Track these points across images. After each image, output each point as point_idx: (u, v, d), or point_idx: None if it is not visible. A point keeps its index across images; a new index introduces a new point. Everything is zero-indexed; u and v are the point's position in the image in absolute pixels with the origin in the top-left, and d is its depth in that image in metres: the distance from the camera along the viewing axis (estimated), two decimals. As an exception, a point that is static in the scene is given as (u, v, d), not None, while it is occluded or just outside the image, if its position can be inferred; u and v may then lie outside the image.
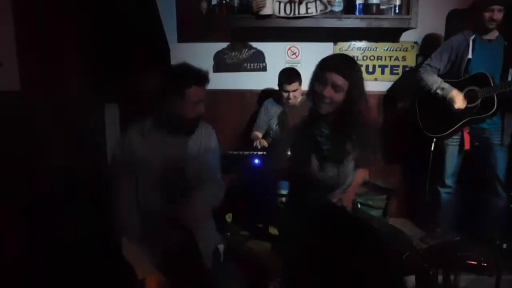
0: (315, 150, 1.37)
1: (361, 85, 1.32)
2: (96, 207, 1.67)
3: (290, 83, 2.32)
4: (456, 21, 2.54)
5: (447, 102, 2.16)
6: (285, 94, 2.35)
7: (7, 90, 1.43)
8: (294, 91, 2.33)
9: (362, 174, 1.48)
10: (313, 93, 1.31)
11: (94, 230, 1.63)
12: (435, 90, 2.19)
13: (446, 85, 2.18)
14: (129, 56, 2.24)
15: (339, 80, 1.26)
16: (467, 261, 1.98)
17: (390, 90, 2.72)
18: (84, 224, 1.68)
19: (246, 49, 2.69)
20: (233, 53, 2.69)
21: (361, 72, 1.36)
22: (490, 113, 2.08)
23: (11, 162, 1.38)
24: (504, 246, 1.98)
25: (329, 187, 1.41)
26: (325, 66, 1.30)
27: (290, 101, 2.36)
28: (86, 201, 1.76)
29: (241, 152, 2.31)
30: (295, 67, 2.48)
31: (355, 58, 2.60)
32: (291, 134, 1.41)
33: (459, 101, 2.12)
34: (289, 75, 2.35)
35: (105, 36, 2.12)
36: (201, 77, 1.31)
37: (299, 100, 2.46)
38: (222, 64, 2.70)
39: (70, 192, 1.67)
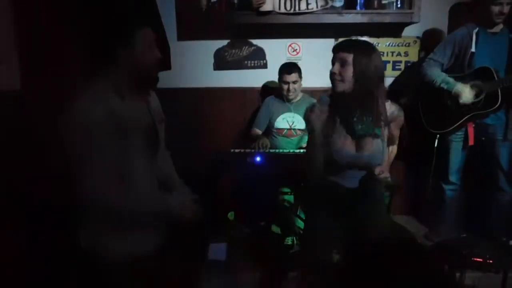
0: (349, 131, 1.44)
1: (369, 59, 1.37)
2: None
3: (289, 73, 2.32)
4: (459, 15, 2.51)
5: (452, 97, 2.13)
6: (285, 86, 2.34)
7: (7, 89, 1.43)
8: (293, 82, 2.33)
9: (392, 153, 1.57)
10: (330, 77, 1.44)
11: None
12: (439, 84, 2.16)
13: (451, 79, 2.14)
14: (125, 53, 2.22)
15: (343, 55, 1.37)
16: (472, 258, 1.96)
17: (392, 85, 2.70)
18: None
19: (247, 46, 2.67)
20: (234, 51, 2.67)
21: (370, 49, 1.41)
22: (494, 107, 2.05)
23: (10, 161, 1.38)
24: (510, 242, 1.95)
25: (369, 166, 1.46)
26: (333, 48, 1.44)
27: (290, 94, 2.35)
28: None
29: (242, 150, 2.30)
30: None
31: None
32: (321, 126, 1.48)
33: (465, 95, 2.09)
34: (289, 66, 2.36)
35: (104, 34, 2.10)
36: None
37: (299, 94, 2.44)
38: (222, 61, 2.68)
39: (70, 192, 1.67)
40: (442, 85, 2.15)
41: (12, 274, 1.35)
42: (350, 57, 1.36)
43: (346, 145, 1.44)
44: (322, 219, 1.55)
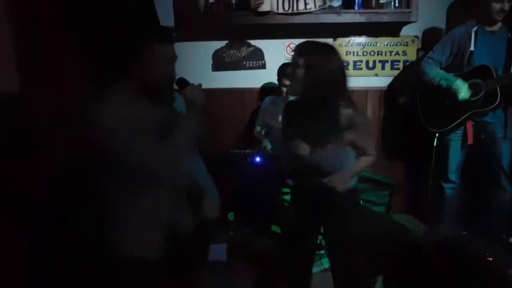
0: (302, 134, 1.39)
1: (322, 63, 1.32)
2: (95, 208, 1.66)
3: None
4: (457, 13, 2.51)
5: (451, 93, 2.13)
6: (284, 89, 2.34)
7: (6, 90, 1.43)
8: None
9: (363, 162, 1.45)
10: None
11: (94, 232, 1.62)
12: (439, 81, 2.16)
13: (450, 76, 2.14)
14: (127, 56, 2.22)
15: (297, 58, 1.34)
16: (472, 256, 1.96)
17: (391, 84, 2.70)
18: (84, 225, 1.67)
19: (245, 47, 2.68)
20: (232, 51, 2.67)
21: (326, 52, 1.36)
22: (493, 105, 2.05)
23: (10, 162, 1.38)
24: (510, 240, 1.96)
25: (322, 171, 1.39)
26: (295, 49, 1.38)
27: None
28: (86, 202, 1.76)
29: (242, 151, 2.30)
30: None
31: (355, 53, 2.66)
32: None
33: (464, 91, 2.09)
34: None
35: (103, 35, 2.11)
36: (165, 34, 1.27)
37: None
38: (221, 62, 2.68)
39: (70, 192, 1.67)
40: (442, 81, 2.15)
41: (12, 274, 1.35)
42: (302, 61, 1.32)
43: (300, 150, 1.38)
44: (296, 221, 1.55)
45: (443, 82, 2.15)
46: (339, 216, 1.44)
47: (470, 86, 2.10)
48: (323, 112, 1.35)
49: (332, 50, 1.36)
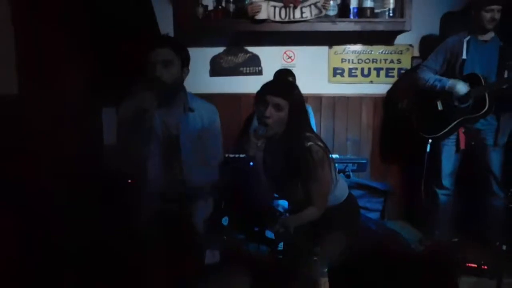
0: (266, 166, 1.42)
1: (302, 107, 1.37)
2: (93, 210, 1.67)
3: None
4: (450, 23, 2.56)
5: (444, 96, 2.16)
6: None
7: (5, 93, 1.45)
8: None
9: (309, 211, 1.42)
10: (257, 114, 1.38)
11: (92, 233, 1.63)
12: (432, 83, 2.20)
13: (443, 78, 2.19)
14: (125, 60, 2.26)
15: (277, 100, 1.32)
16: (466, 264, 1.95)
17: (387, 92, 2.73)
18: (82, 226, 1.68)
19: (242, 53, 2.72)
20: (229, 57, 2.71)
21: (301, 95, 1.40)
22: (482, 112, 2.08)
23: (9, 164, 1.39)
24: (504, 247, 1.95)
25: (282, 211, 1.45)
26: (264, 89, 1.37)
27: None
28: (84, 204, 1.76)
29: (237, 155, 2.31)
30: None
31: (350, 61, 2.70)
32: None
33: (460, 85, 2.11)
34: (284, 73, 2.34)
35: (102, 40, 2.15)
36: (162, 39, 1.44)
37: None
38: (218, 68, 2.72)
39: (68, 195, 1.68)
40: (435, 83, 2.18)
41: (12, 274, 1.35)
42: (284, 103, 1.31)
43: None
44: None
45: (436, 83, 2.18)
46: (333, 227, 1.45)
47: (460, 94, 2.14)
48: (288, 154, 1.35)
49: (298, 88, 1.40)
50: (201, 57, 2.69)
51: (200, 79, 2.70)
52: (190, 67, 1.53)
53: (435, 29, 2.63)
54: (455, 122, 2.17)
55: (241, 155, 2.31)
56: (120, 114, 1.41)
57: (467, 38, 2.16)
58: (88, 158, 2.03)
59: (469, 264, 1.96)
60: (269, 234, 2.41)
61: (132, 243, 1.42)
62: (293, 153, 1.34)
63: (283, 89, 1.37)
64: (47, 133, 1.63)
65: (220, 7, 2.53)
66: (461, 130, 2.19)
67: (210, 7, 2.58)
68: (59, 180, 1.66)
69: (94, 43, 2.09)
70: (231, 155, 2.33)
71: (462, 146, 2.18)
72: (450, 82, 2.14)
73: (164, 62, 1.34)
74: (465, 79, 2.14)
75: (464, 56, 2.16)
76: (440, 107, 2.23)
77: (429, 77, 2.22)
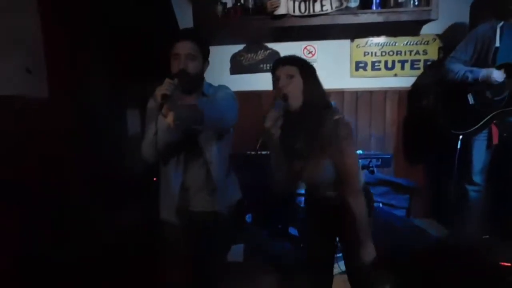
0: (286, 147, 1.38)
1: (313, 72, 1.34)
2: (119, 212, 1.74)
3: None
4: (481, 10, 2.42)
5: (476, 92, 2.05)
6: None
7: (36, 96, 1.52)
8: None
9: (354, 204, 1.33)
10: (275, 93, 1.34)
11: (114, 233, 1.69)
12: (463, 75, 2.09)
13: (474, 68, 2.08)
14: (147, 62, 2.31)
15: (289, 68, 1.30)
16: (499, 263, 1.87)
17: (412, 85, 2.64)
18: (106, 226, 1.74)
19: (262, 50, 2.71)
20: (249, 55, 2.71)
21: (310, 63, 1.36)
22: None
23: (39, 167, 1.46)
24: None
25: (317, 185, 1.40)
26: (275, 63, 1.36)
27: None
28: (111, 205, 1.83)
29: (259, 152, 2.31)
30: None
31: (373, 54, 2.62)
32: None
33: (496, 74, 2.00)
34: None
35: (126, 43, 2.20)
36: (186, 32, 1.52)
37: None
38: (238, 66, 2.73)
39: (96, 196, 1.74)
40: (466, 74, 2.08)
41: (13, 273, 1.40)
42: (294, 69, 1.29)
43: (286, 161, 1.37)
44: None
45: (468, 75, 2.07)
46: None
47: (494, 86, 2.03)
48: (316, 124, 1.28)
49: (303, 59, 1.36)
50: (221, 55, 2.70)
51: (221, 78, 2.71)
52: (210, 66, 1.56)
53: (464, 17, 2.50)
54: (488, 117, 2.06)
55: (263, 152, 2.31)
56: (148, 106, 1.48)
57: (500, 24, 2.04)
58: (114, 158, 2.11)
59: (502, 263, 1.88)
60: (293, 231, 2.43)
61: (158, 240, 1.48)
62: (320, 127, 1.27)
63: (289, 58, 1.37)
64: (75, 135, 1.70)
65: (239, 4, 2.52)
66: (493, 124, 2.08)
67: (229, 5, 2.58)
68: (88, 180, 1.73)
69: (117, 45, 2.14)
70: (253, 152, 2.34)
71: (495, 141, 2.07)
72: (483, 71, 2.03)
73: (188, 55, 1.38)
74: (499, 69, 2.03)
75: (497, 44, 2.03)
76: (471, 101, 2.12)
77: (459, 68, 2.11)
